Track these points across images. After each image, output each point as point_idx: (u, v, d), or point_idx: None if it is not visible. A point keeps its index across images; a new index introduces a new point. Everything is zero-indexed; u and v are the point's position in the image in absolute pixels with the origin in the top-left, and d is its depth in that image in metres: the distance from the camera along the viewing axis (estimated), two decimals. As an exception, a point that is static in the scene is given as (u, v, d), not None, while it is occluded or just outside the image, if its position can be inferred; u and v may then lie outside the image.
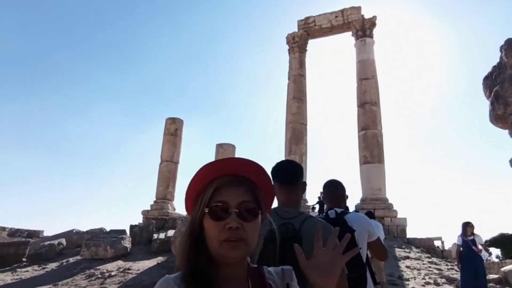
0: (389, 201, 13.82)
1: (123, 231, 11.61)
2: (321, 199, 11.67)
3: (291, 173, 1.73)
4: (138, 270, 9.12)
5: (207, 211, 0.77)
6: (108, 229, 12.33)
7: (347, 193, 2.57)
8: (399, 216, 13.42)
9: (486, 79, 2.54)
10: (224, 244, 0.74)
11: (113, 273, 8.90)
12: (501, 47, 2.26)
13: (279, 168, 1.71)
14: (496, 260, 26.98)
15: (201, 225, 0.78)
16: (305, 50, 18.12)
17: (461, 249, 6.59)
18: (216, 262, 0.77)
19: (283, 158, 16.19)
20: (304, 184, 1.79)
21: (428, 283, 7.90)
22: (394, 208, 13.60)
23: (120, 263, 9.93)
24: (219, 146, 17.75)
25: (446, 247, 19.55)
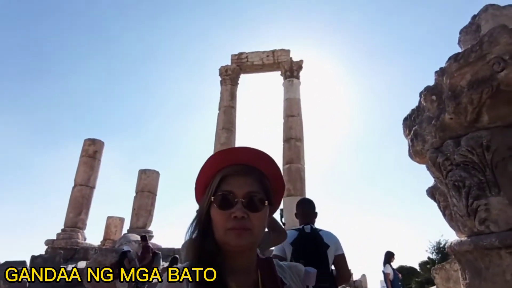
0: (309, 233, 14.49)
1: (23, 262, 10.08)
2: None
3: None
4: (40, 307, 7.93)
5: (213, 199, 0.77)
6: (2, 261, 10.57)
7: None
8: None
9: (406, 119, 2.90)
10: (229, 232, 0.74)
11: (6, 312, 7.59)
12: (421, 93, 2.58)
13: None
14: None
15: (209, 215, 0.78)
16: (237, 84, 18.77)
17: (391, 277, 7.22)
18: (223, 251, 0.76)
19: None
20: None
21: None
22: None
23: (16, 300, 8.54)
24: (142, 172, 16.94)
25: (355, 278, 20.94)
